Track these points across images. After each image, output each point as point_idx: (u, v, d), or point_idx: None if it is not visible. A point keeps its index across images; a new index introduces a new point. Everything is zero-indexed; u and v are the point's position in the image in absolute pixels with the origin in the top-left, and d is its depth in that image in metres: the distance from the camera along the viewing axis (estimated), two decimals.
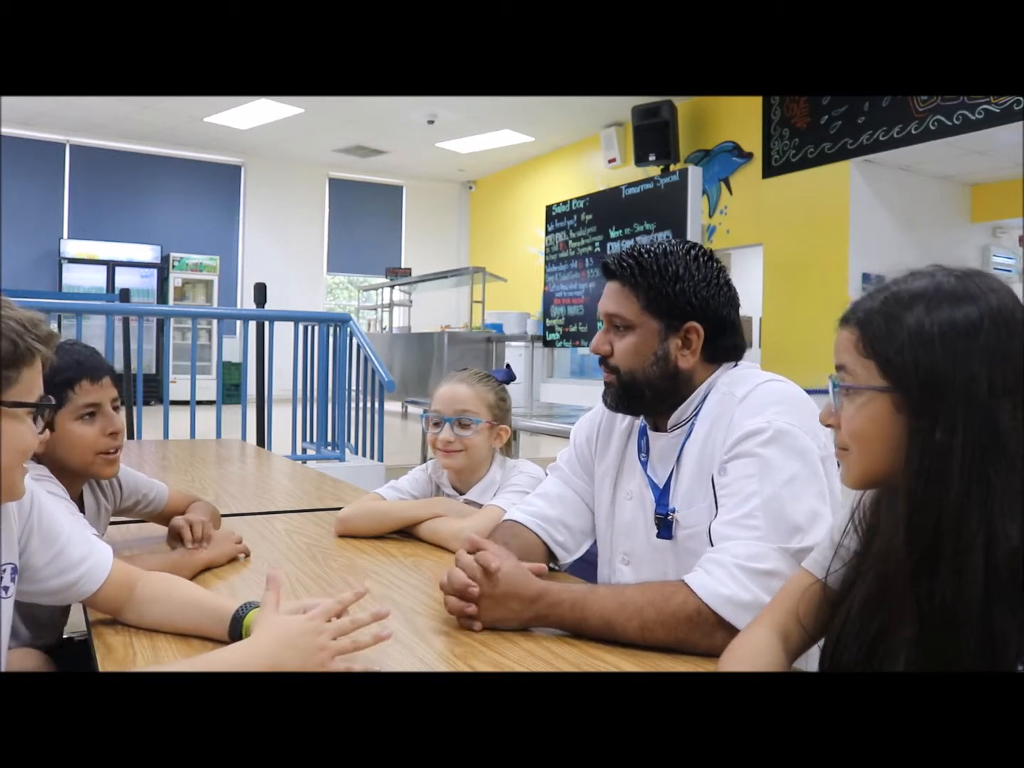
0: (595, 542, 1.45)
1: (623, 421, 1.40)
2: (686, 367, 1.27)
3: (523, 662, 1.01)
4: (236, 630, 1.02)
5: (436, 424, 1.71)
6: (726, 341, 1.30)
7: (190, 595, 1.10)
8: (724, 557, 1.07)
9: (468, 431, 1.68)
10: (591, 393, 7.74)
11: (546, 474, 1.54)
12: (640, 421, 1.37)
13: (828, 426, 0.90)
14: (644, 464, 1.33)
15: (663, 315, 1.27)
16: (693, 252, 1.29)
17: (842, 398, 0.87)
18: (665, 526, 1.27)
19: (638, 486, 1.33)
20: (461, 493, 1.77)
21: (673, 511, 1.26)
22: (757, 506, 1.10)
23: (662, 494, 1.28)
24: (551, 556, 1.40)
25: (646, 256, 1.28)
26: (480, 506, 1.72)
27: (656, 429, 1.33)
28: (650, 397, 1.29)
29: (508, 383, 1.81)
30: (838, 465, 0.98)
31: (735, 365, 1.31)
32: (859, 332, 0.84)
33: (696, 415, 1.27)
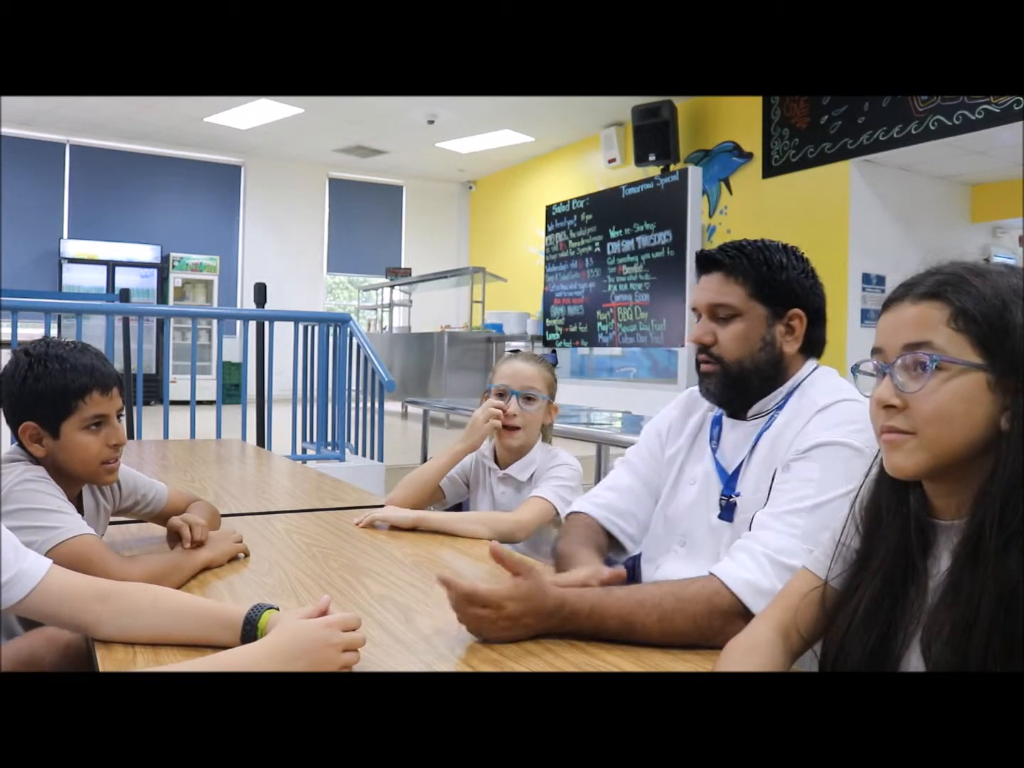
0: None
1: (695, 414, 1.44)
2: (790, 352, 1.32)
3: (523, 662, 1.01)
4: (251, 634, 1.00)
5: (500, 395, 1.85)
6: (819, 333, 1.35)
7: (182, 604, 1.07)
8: (754, 545, 1.09)
9: (532, 406, 1.83)
10: (591, 393, 7.73)
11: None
12: (714, 412, 1.41)
13: (890, 407, 0.83)
14: (714, 451, 1.36)
15: (770, 302, 1.31)
16: (788, 247, 1.36)
17: (915, 377, 0.82)
18: (728, 508, 1.30)
19: (704, 471, 1.36)
20: (502, 468, 1.89)
21: (738, 495, 1.29)
22: (805, 508, 1.12)
23: (730, 478, 1.31)
24: (619, 547, 1.44)
25: (748, 248, 1.33)
26: (518, 481, 1.85)
27: (734, 416, 1.36)
28: (757, 384, 1.32)
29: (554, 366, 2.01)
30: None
31: (816, 366, 1.35)
32: (956, 308, 0.81)
33: (779, 408, 1.30)
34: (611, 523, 1.43)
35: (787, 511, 1.13)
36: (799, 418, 1.25)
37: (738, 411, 1.36)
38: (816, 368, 1.35)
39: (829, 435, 1.19)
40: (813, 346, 1.35)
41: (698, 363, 1.36)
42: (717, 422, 1.39)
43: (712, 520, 1.32)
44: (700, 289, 1.36)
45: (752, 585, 1.04)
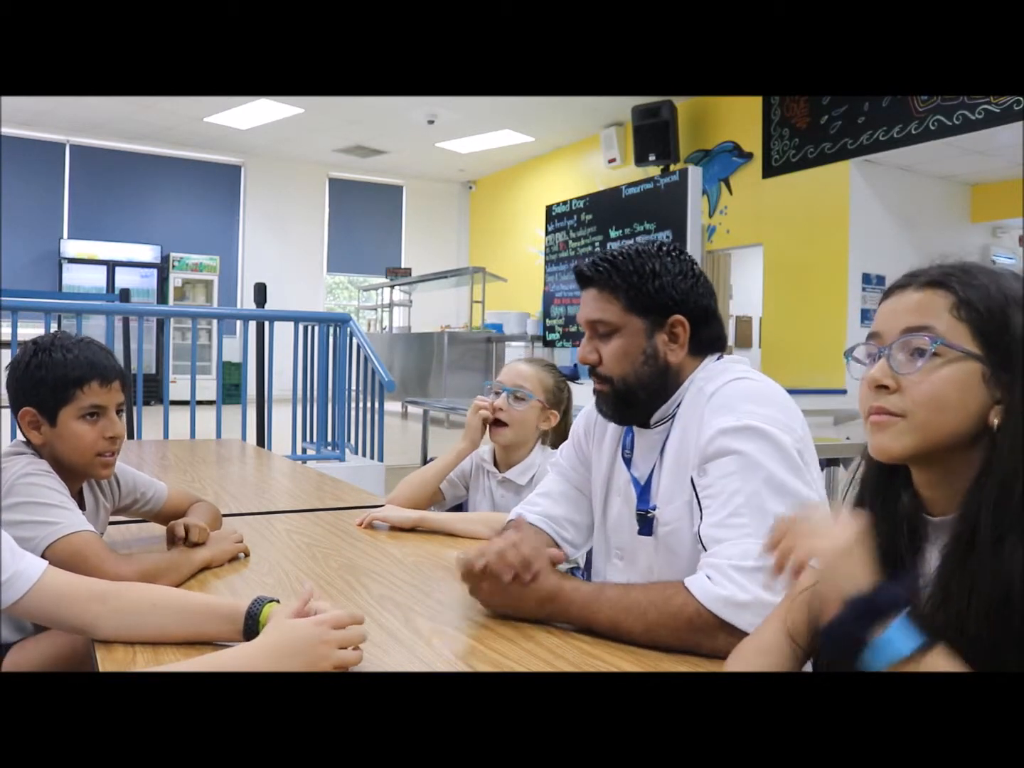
0: None
1: None
2: (676, 361, 1.27)
3: (523, 662, 1.01)
4: (252, 628, 1.00)
5: (496, 393, 1.91)
6: (710, 331, 1.30)
7: (182, 602, 1.07)
8: (719, 561, 1.07)
9: (521, 404, 1.88)
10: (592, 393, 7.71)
11: None
12: None
13: (881, 387, 0.82)
14: (627, 461, 1.34)
15: (646, 313, 1.26)
16: (664, 248, 1.30)
17: (913, 360, 0.81)
18: (646, 523, 1.27)
19: (625, 482, 1.34)
20: (501, 471, 1.92)
21: (654, 508, 1.26)
22: (741, 504, 1.10)
23: (643, 491, 1.29)
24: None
25: (619, 258, 1.28)
26: (517, 485, 1.88)
27: (641, 425, 1.33)
28: (645, 399, 1.28)
29: (572, 379, 2.00)
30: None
31: (718, 358, 1.31)
32: (960, 297, 0.81)
33: (675, 414, 1.27)
34: (551, 528, 1.41)
35: (727, 515, 1.10)
36: (695, 412, 1.22)
37: (640, 423, 1.32)
38: (716, 360, 1.30)
39: (726, 421, 1.15)
40: (705, 346, 1.29)
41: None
42: (629, 429, 1.35)
43: (635, 535, 1.29)
44: (582, 305, 1.32)
45: (729, 601, 1.03)
